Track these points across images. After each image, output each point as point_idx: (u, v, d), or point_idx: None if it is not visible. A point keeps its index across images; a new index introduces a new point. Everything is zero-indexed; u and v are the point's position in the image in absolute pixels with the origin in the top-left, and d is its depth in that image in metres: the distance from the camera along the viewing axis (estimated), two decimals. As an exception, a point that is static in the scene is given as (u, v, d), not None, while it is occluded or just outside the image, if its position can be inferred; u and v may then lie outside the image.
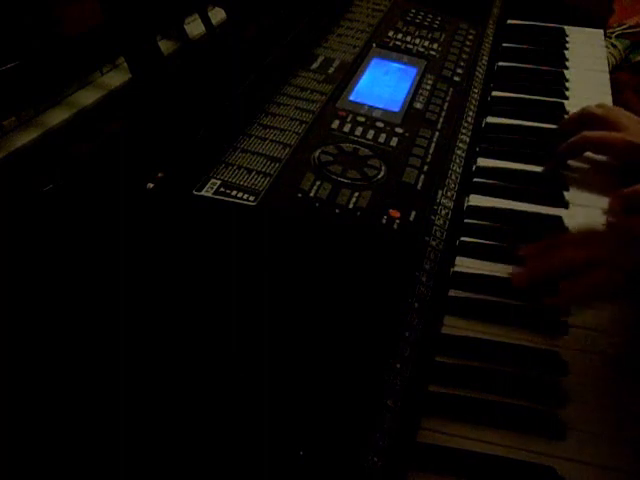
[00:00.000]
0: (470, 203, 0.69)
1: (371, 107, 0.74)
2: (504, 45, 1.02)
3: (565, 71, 0.95)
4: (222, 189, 0.58)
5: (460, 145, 0.74)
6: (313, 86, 0.75)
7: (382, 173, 0.63)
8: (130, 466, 0.39)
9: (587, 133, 0.72)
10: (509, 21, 1.10)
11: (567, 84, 0.92)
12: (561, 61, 0.98)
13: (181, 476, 0.40)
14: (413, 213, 0.60)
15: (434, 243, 0.59)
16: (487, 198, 0.70)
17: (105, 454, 0.39)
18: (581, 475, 0.46)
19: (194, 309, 0.48)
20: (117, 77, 0.66)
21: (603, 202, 0.70)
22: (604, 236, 0.56)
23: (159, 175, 0.56)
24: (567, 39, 1.05)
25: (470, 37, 0.96)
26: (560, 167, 0.74)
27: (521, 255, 0.56)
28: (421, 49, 0.88)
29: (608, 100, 0.89)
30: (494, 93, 0.89)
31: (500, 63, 0.97)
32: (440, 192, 0.65)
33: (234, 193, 0.58)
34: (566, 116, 0.84)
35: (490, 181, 0.72)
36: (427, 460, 0.46)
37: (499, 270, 0.60)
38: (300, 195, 0.59)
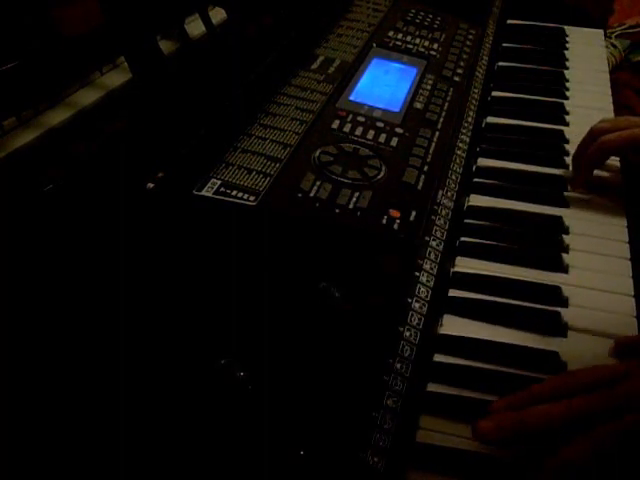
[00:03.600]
0: (470, 203, 0.69)
1: (371, 107, 0.73)
2: (504, 45, 1.02)
3: (565, 71, 0.95)
4: (222, 189, 0.58)
5: (460, 145, 0.74)
6: (313, 86, 0.75)
7: (382, 173, 0.63)
8: (130, 466, 0.39)
9: (604, 137, 0.70)
10: (509, 21, 1.10)
11: (567, 84, 0.92)
12: (561, 61, 0.98)
13: (181, 476, 0.40)
14: (413, 213, 0.60)
15: (434, 243, 0.59)
16: (487, 198, 0.70)
17: (105, 454, 0.39)
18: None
19: (194, 309, 0.48)
20: (117, 77, 0.66)
21: (603, 202, 0.70)
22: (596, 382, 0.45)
23: (159, 175, 0.56)
24: (567, 39, 1.05)
25: (470, 37, 0.96)
26: (587, 178, 0.71)
27: (490, 410, 0.46)
28: (421, 49, 0.88)
29: (608, 100, 0.89)
30: (494, 93, 0.89)
31: (500, 63, 0.97)
32: (440, 192, 0.65)
33: (234, 193, 0.58)
34: (567, 117, 0.84)
35: (490, 181, 0.72)
36: (426, 460, 0.46)
37: (499, 270, 0.60)
38: (300, 195, 0.59)
